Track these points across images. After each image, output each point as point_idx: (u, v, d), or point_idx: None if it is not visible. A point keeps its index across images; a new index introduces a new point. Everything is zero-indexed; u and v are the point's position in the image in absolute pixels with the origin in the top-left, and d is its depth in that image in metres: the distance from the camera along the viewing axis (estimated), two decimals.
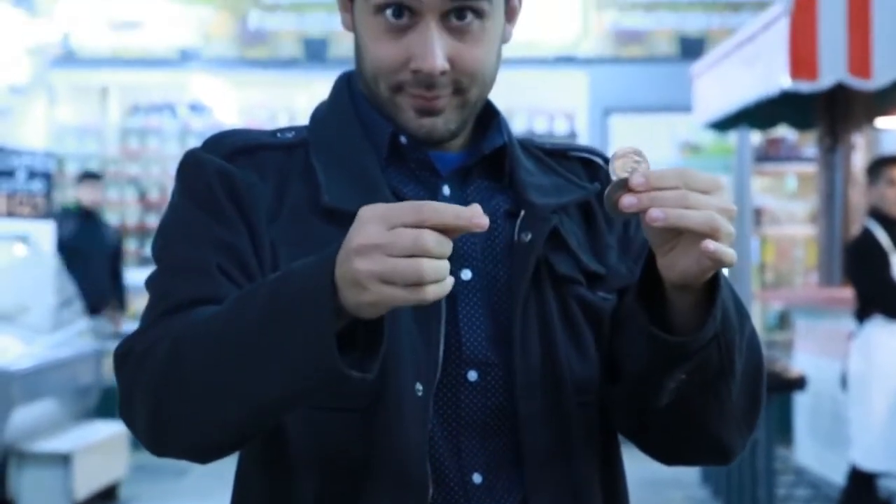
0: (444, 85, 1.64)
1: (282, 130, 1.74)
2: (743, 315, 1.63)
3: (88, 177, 10.31)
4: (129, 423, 1.59)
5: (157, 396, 1.53)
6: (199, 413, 1.51)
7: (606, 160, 1.77)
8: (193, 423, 1.52)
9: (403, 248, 1.36)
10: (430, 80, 1.63)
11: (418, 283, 1.36)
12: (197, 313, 1.54)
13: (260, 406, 1.49)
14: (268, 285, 1.49)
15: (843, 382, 7.22)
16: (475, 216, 1.38)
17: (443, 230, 1.37)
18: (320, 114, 1.76)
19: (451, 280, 1.39)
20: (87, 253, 9.84)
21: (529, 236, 1.66)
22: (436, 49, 1.62)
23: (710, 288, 1.54)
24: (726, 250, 1.49)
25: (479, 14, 1.64)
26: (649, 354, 1.59)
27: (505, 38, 1.72)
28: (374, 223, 1.38)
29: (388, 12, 1.63)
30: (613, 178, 1.50)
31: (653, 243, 1.53)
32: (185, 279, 1.60)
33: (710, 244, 1.47)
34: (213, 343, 1.49)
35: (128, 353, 1.58)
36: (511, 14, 1.73)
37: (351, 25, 1.71)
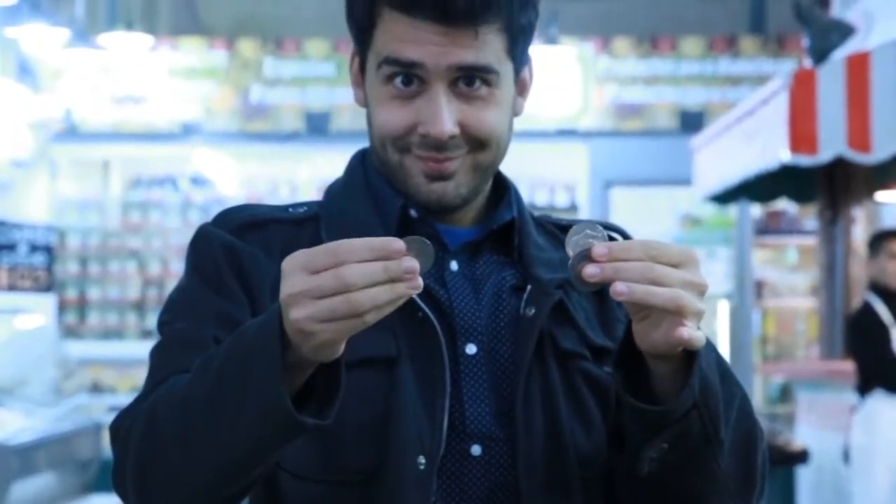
0: (454, 147, 1.64)
1: (294, 205, 1.75)
2: (730, 382, 1.61)
3: None
4: (122, 495, 1.59)
5: (140, 463, 1.54)
6: (178, 476, 1.51)
7: (623, 234, 1.77)
8: (174, 487, 1.52)
9: (327, 290, 1.37)
10: (439, 144, 1.63)
11: (357, 315, 1.38)
12: (177, 380, 1.55)
13: (228, 464, 1.49)
14: (224, 345, 1.50)
15: (846, 456, 7.18)
16: (389, 247, 1.39)
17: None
18: (334, 189, 1.77)
19: (398, 294, 1.39)
20: None
21: (533, 311, 1.66)
22: (444, 113, 1.62)
23: (689, 356, 1.53)
24: (695, 335, 1.48)
25: (487, 81, 1.65)
26: (629, 423, 1.58)
27: (516, 111, 1.73)
28: (296, 273, 1.40)
29: (398, 80, 1.64)
30: (569, 251, 1.49)
31: (628, 310, 1.52)
32: (181, 352, 1.61)
33: (682, 332, 1.46)
34: (180, 406, 1.50)
35: (120, 426, 1.59)
36: (522, 87, 1.74)
37: (364, 101, 1.72)
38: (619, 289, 1.45)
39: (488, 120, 1.66)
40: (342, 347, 1.44)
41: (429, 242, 1.44)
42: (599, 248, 1.47)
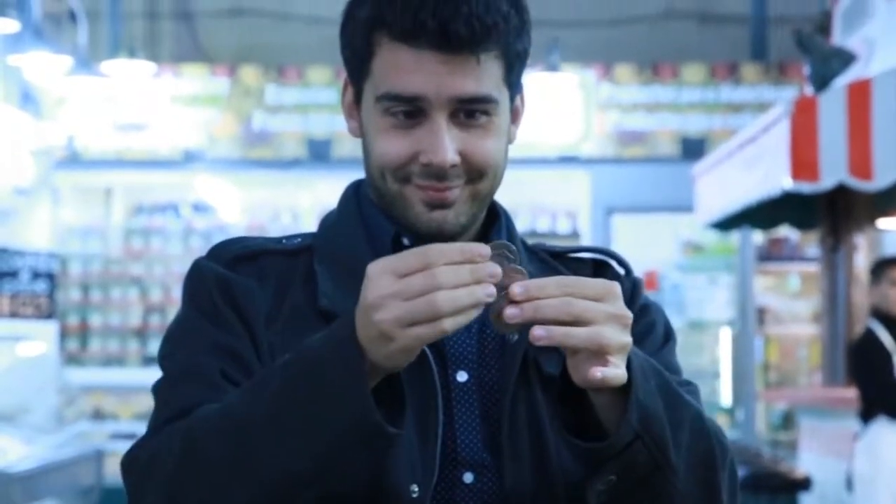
0: (455, 176, 1.65)
1: (289, 237, 1.76)
2: (678, 405, 1.59)
3: None
4: None
5: (171, 493, 1.53)
6: (222, 498, 1.51)
7: (618, 260, 1.79)
8: None
9: (416, 291, 1.41)
10: (440, 173, 1.63)
11: (436, 318, 1.41)
12: (204, 410, 1.55)
13: (286, 483, 1.49)
14: (277, 365, 1.52)
15: (849, 483, 7.17)
16: (475, 250, 1.43)
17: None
18: (329, 220, 1.78)
19: (476, 299, 1.43)
20: None
21: (516, 337, 1.66)
22: (446, 142, 1.62)
23: (626, 387, 1.52)
24: (616, 374, 1.48)
25: (487, 111, 1.65)
26: (574, 458, 1.58)
27: (510, 139, 1.73)
28: (384, 276, 1.43)
29: (398, 113, 1.64)
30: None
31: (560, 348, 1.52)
32: (187, 386, 1.61)
33: (596, 372, 1.47)
34: (229, 429, 1.50)
35: (133, 461, 1.59)
36: (515, 115, 1.74)
37: (358, 132, 1.72)
38: (538, 333, 1.46)
39: (488, 149, 1.66)
40: (415, 356, 1.46)
41: (512, 245, 1.50)
42: (516, 287, 1.47)
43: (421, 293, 1.41)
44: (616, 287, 1.51)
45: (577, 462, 1.58)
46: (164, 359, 1.68)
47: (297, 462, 1.47)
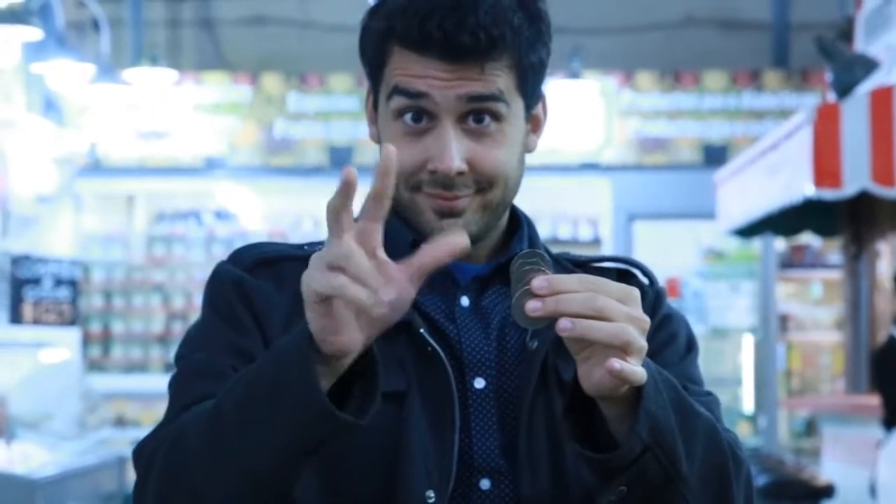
0: (463, 185, 1.65)
1: (311, 244, 1.77)
2: (691, 417, 1.59)
3: None
4: None
5: (163, 479, 1.56)
6: (202, 489, 1.53)
7: (642, 270, 1.79)
8: (197, 501, 1.54)
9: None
10: (447, 181, 1.65)
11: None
12: (203, 405, 1.58)
13: (255, 473, 1.50)
14: (256, 361, 1.54)
15: (872, 491, 7.14)
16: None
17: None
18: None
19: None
20: None
21: (536, 343, 1.67)
22: (452, 150, 1.63)
23: (637, 396, 1.52)
24: (634, 370, 1.47)
25: (497, 117, 1.66)
26: (584, 468, 1.58)
27: (529, 148, 1.73)
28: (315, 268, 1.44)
29: (408, 116, 1.66)
30: (513, 284, 1.50)
31: (571, 351, 1.52)
32: (199, 381, 1.64)
33: (615, 363, 1.45)
34: (209, 419, 1.53)
35: (140, 452, 1.62)
36: (535, 124, 1.74)
37: (377, 137, 1.73)
38: (563, 325, 1.45)
39: (497, 158, 1.66)
40: (359, 345, 1.46)
41: (541, 252, 1.53)
42: (538, 281, 1.47)
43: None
44: (636, 292, 1.50)
45: (589, 472, 1.58)
46: (179, 358, 1.71)
47: (260, 453, 1.49)
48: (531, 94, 1.71)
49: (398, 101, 1.66)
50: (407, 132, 1.66)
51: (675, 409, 1.56)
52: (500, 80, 1.65)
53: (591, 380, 1.50)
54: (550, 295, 1.46)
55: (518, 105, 1.68)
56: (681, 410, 1.57)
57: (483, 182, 1.66)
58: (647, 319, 1.50)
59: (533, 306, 1.46)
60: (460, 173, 1.64)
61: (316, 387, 1.44)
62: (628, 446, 1.51)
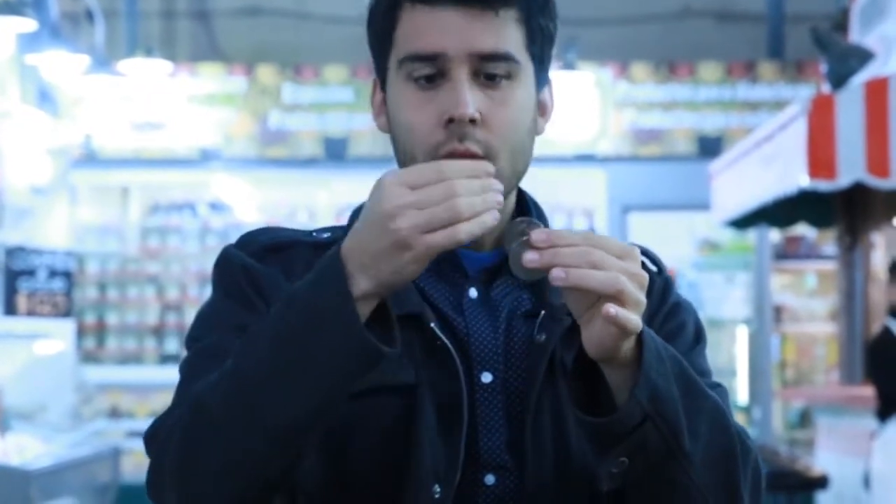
0: (475, 139, 1.63)
1: (319, 230, 1.77)
2: (697, 395, 1.58)
3: None
4: (157, 498, 1.60)
5: (188, 457, 1.54)
6: (228, 453, 1.52)
7: (650, 257, 1.78)
8: (222, 467, 1.53)
9: (435, 200, 1.46)
10: (461, 131, 1.62)
11: (455, 222, 1.46)
12: (207, 379, 1.57)
13: (292, 422, 1.50)
14: (271, 310, 1.55)
15: (867, 482, 7.16)
16: (484, 167, 1.52)
17: None
18: (358, 213, 1.77)
19: (489, 216, 1.49)
20: None
21: (544, 337, 1.66)
22: (466, 97, 1.62)
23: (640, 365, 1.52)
24: (629, 316, 1.48)
25: (508, 74, 1.65)
26: (585, 437, 1.58)
27: (538, 131, 1.72)
28: (398, 187, 1.47)
29: (421, 80, 1.65)
30: (507, 243, 1.54)
31: (575, 316, 1.53)
32: (210, 362, 1.62)
33: (610, 308, 1.46)
34: (230, 383, 1.52)
35: (154, 435, 1.60)
36: (542, 109, 1.74)
37: (387, 126, 1.72)
38: (556, 274, 1.47)
39: (507, 115, 1.65)
40: (422, 269, 1.49)
41: (535, 220, 1.58)
42: (538, 234, 1.50)
43: (440, 202, 1.45)
44: (636, 251, 1.52)
45: (589, 442, 1.57)
46: (190, 339, 1.70)
47: (298, 401, 1.49)
48: (540, 59, 1.70)
49: (410, 66, 1.65)
50: (420, 95, 1.65)
51: (679, 382, 1.56)
52: (511, 35, 1.64)
53: (592, 337, 1.50)
54: (549, 248, 1.47)
55: (528, 69, 1.68)
56: (685, 385, 1.57)
57: (494, 143, 1.64)
58: (645, 275, 1.51)
59: (530, 257, 1.48)
60: (472, 120, 1.62)
61: (357, 319, 1.47)
62: (627, 410, 1.52)
